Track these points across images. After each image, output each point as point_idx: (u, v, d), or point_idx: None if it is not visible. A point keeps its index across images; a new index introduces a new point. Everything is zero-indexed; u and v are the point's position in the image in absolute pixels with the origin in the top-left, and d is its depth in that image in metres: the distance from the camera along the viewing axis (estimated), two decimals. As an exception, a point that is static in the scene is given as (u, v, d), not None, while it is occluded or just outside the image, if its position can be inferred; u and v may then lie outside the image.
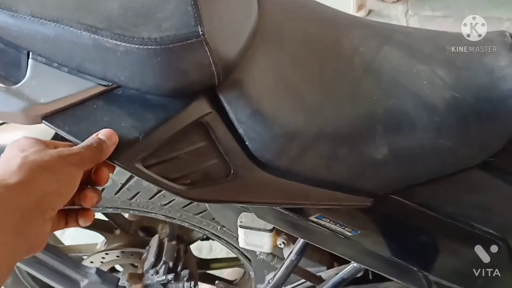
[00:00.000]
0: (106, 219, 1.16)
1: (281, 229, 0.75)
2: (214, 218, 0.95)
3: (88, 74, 0.50)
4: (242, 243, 0.83)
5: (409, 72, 0.62)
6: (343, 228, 0.66)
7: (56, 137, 0.74)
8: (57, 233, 1.34)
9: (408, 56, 0.64)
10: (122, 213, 1.15)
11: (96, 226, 1.17)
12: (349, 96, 0.59)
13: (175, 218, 0.97)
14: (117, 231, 1.17)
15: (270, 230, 0.80)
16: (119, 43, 0.47)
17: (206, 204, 0.84)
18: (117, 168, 0.50)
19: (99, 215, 1.13)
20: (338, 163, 0.58)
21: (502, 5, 2.47)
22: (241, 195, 0.56)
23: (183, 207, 0.93)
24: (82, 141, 0.47)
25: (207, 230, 1.01)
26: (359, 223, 0.67)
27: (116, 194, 0.90)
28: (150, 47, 0.46)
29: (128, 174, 0.84)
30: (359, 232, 0.67)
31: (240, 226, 0.81)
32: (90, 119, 0.49)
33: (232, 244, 1.04)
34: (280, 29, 0.62)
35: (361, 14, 2.62)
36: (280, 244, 0.84)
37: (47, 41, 0.49)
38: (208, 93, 0.52)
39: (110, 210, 0.95)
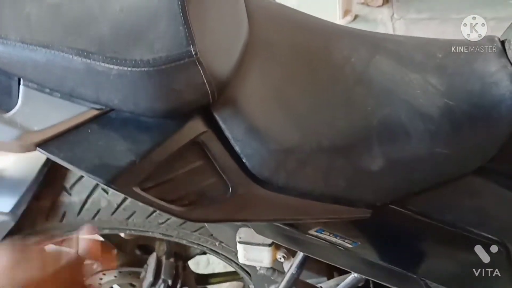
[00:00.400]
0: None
1: (280, 244, 0.75)
2: (212, 235, 0.94)
3: (81, 99, 0.49)
4: (241, 259, 0.83)
5: (401, 81, 0.62)
6: (343, 241, 0.66)
7: (48, 162, 0.74)
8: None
9: (399, 65, 0.64)
10: (118, 233, 1.14)
11: (92, 246, 1.15)
12: (343, 108, 0.59)
13: (172, 236, 0.96)
14: (114, 251, 1.15)
15: (270, 245, 0.80)
16: (112, 66, 0.46)
17: (204, 220, 0.83)
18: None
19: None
20: (336, 175, 0.58)
21: (487, 5, 2.49)
22: (240, 213, 0.56)
23: (180, 225, 0.92)
24: (77, 166, 0.46)
25: (205, 247, 1.00)
26: (359, 234, 0.67)
27: (112, 214, 0.88)
28: (142, 69, 0.46)
29: (124, 194, 0.83)
30: (359, 243, 0.67)
31: (239, 242, 0.80)
32: (85, 144, 0.48)
33: (231, 259, 1.03)
34: (271, 43, 0.61)
35: (347, 19, 2.64)
36: (280, 258, 0.84)
37: (38, 67, 0.48)
38: (202, 112, 0.52)
39: (107, 231, 0.94)
